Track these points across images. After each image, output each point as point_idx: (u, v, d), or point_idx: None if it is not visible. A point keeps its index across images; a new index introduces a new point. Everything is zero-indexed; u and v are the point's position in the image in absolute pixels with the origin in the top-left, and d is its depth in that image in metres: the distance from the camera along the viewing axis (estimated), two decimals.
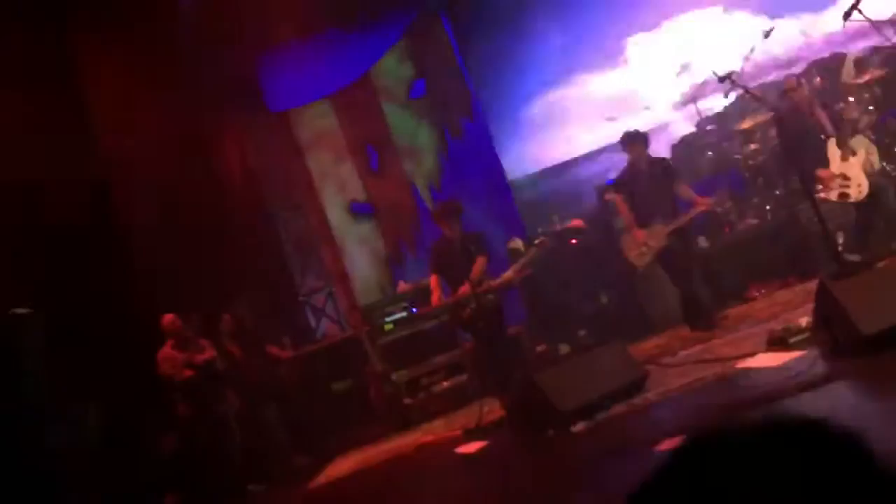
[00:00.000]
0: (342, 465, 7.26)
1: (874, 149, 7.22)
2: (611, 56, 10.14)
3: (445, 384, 8.14)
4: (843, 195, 6.66)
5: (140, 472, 7.05)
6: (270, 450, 7.88)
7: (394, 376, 8.07)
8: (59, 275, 7.42)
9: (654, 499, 0.82)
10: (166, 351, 7.39)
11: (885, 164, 7.79)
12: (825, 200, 6.68)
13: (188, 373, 7.31)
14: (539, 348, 8.17)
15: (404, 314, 8.37)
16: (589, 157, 9.74)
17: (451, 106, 10.56)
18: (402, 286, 9.04)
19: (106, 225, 8.50)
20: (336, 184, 10.55)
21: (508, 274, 7.14)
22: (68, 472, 6.42)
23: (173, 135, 8.90)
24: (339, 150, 10.57)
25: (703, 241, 8.49)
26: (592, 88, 10.14)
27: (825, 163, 6.67)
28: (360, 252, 10.38)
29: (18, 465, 6.19)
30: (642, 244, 7.01)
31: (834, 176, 6.64)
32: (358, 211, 10.52)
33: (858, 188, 6.64)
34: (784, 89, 6.91)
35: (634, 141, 7.09)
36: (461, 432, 6.41)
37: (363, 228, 10.47)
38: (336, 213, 10.46)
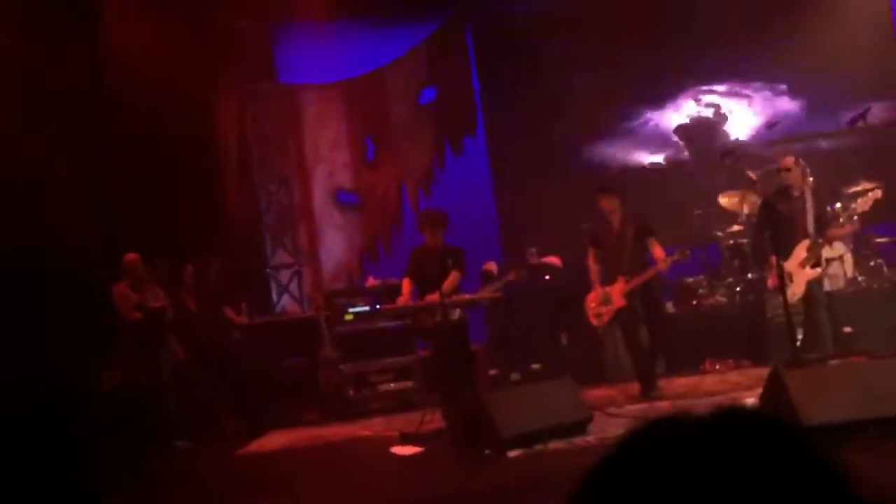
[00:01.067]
0: (274, 440, 7.27)
1: (850, 258, 7.45)
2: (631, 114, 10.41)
3: (392, 385, 8.21)
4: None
5: (83, 404, 6.99)
6: (206, 408, 7.87)
7: (343, 366, 8.11)
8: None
9: (605, 476, 0.83)
10: (121, 288, 7.42)
11: (857, 274, 8.08)
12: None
13: (137, 315, 7.33)
14: (491, 371, 8.27)
15: (367, 308, 8.42)
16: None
17: (457, 119, 10.69)
18: (371, 281, 9.09)
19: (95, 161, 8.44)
20: (328, 168, 10.60)
21: (479, 294, 7.23)
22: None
23: (176, 83, 8.90)
24: (339, 136, 10.62)
25: (670, 307, 8.66)
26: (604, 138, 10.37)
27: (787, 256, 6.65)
28: (337, 239, 10.42)
29: None
30: (600, 303, 6.91)
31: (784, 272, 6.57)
32: (344, 200, 10.57)
33: (793, 295, 6.52)
34: (779, 167, 6.96)
35: (607, 192, 6.90)
36: (398, 434, 6.47)
37: (345, 217, 10.52)
38: (321, 196, 10.49)
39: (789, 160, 6.85)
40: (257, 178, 10.26)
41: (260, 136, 10.35)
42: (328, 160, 10.62)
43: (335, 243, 10.38)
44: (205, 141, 9.88)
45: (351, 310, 8.32)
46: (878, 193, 6.66)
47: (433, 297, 6.74)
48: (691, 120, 10.41)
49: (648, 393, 6.74)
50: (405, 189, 10.56)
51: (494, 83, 10.55)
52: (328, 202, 10.54)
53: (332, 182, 10.60)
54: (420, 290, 7.07)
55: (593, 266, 7.09)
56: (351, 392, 8.06)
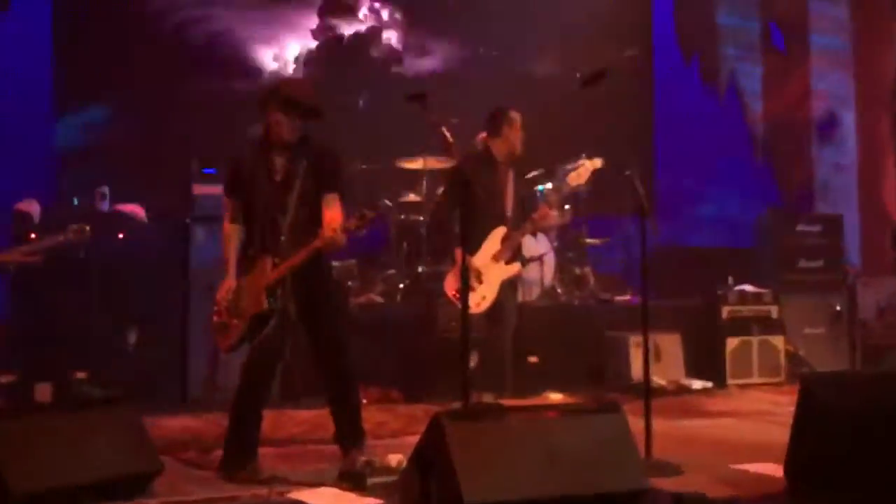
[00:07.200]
0: None
1: (552, 261, 6.10)
2: None
3: None
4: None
5: None
6: None
7: None
8: None
9: None
10: None
11: (556, 284, 6.53)
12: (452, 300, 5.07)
13: None
14: (3, 379, 5.16)
15: None
16: None
17: None
18: None
19: None
20: None
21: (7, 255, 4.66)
22: None
23: None
24: None
25: None
26: None
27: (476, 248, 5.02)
28: None
29: None
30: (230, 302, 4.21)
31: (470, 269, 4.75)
32: None
33: (483, 298, 5.02)
34: (502, 122, 5.12)
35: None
36: None
37: None
38: None
39: (515, 115, 5.14)
40: None
41: None
42: None
43: None
44: None
45: None
46: (598, 163, 5.07)
47: None
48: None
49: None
50: None
51: None
52: None
53: None
54: None
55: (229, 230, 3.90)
56: None
